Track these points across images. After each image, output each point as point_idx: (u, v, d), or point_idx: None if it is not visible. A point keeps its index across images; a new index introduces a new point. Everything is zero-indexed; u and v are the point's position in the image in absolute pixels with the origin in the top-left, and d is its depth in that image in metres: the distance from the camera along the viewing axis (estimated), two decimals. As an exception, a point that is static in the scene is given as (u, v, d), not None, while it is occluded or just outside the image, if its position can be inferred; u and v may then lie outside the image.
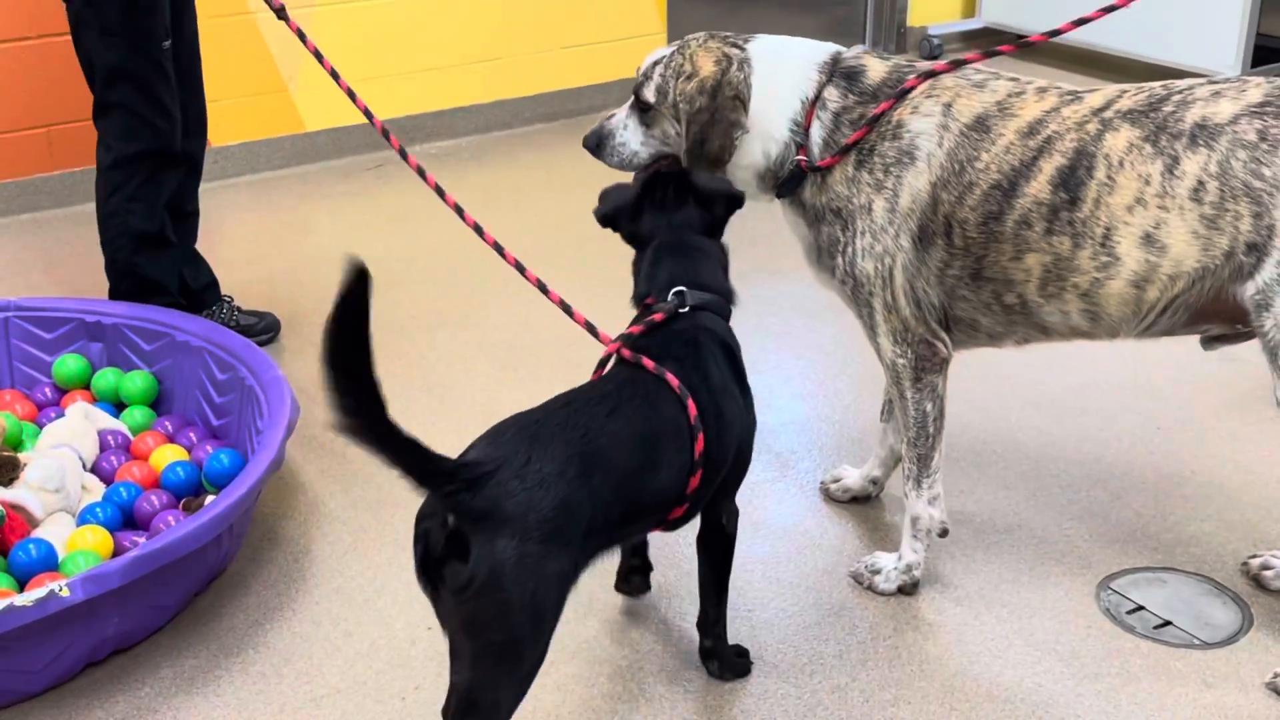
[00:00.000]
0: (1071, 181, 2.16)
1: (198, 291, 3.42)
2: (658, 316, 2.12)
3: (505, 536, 1.76)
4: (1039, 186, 2.18)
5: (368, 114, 2.83)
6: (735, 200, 2.25)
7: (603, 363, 2.16)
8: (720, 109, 2.30)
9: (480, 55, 5.33)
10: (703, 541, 2.25)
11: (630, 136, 2.45)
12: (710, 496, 2.13)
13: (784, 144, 2.34)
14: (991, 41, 6.48)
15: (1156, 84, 2.21)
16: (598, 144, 2.49)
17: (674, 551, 2.63)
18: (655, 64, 2.41)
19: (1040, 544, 2.68)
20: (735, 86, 2.31)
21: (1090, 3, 5.78)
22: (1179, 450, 3.02)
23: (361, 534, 2.74)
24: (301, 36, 2.94)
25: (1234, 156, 2.05)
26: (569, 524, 1.81)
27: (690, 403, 1.99)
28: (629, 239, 2.30)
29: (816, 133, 2.33)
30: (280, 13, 2.98)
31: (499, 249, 2.52)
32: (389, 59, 5.07)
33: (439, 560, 1.81)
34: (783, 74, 2.34)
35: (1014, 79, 2.29)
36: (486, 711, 1.83)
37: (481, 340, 3.58)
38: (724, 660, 2.31)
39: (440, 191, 2.73)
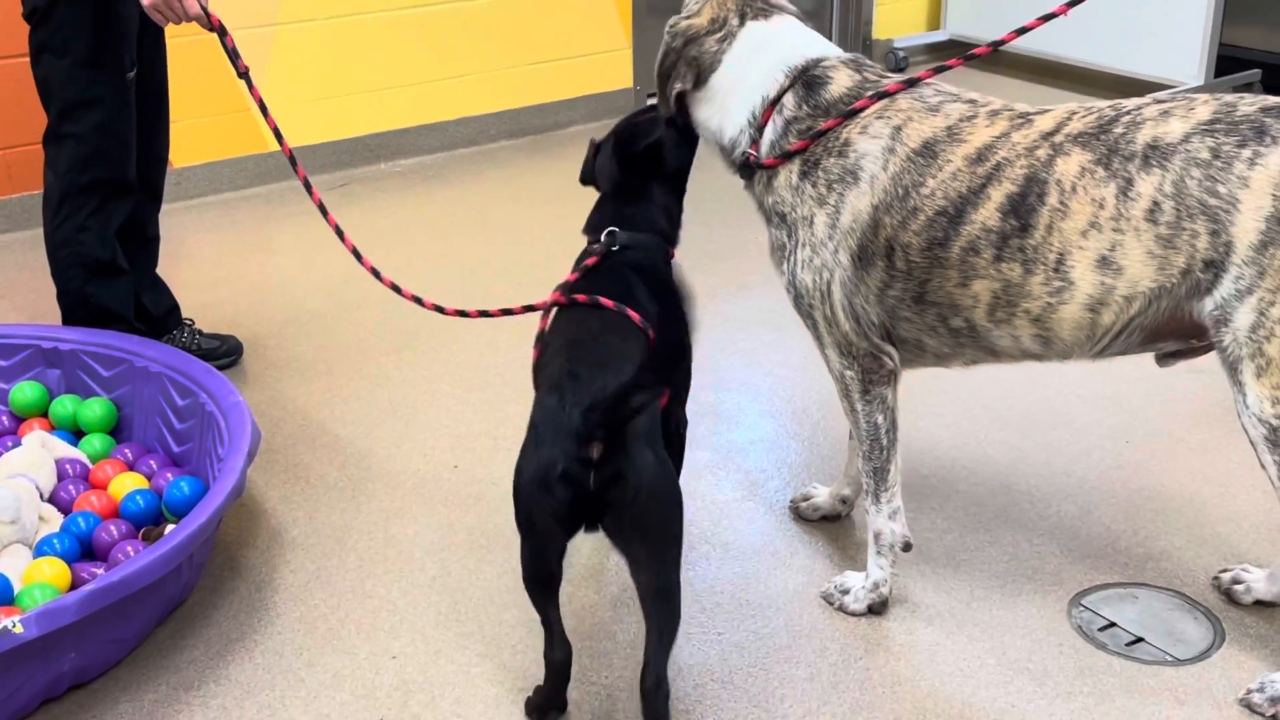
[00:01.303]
0: (1022, 208, 2.14)
1: (159, 317, 3.38)
2: (590, 261, 2.35)
3: (642, 445, 2.00)
4: (987, 214, 2.16)
5: (284, 145, 3.10)
6: (654, 144, 2.43)
7: (547, 311, 2.34)
8: (681, 61, 2.37)
9: (445, 72, 5.30)
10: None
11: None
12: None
13: (739, 130, 2.37)
14: (956, 53, 6.47)
15: (1105, 104, 2.19)
16: None
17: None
18: None
19: (1011, 561, 2.66)
20: (702, 52, 2.36)
21: (1049, 9, 5.71)
22: (1149, 463, 3.01)
23: (325, 561, 2.70)
24: (263, 108, 3.03)
25: (1188, 175, 2.03)
26: (658, 421, 2.08)
27: (651, 334, 2.23)
28: (597, 189, 2.51)
29: (769, 133, 2.34)
30: (245, 76, 2.96)
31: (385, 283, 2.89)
32: (353, 77, 5.04)
33: (596, 493, 2.00)
34: (754, 66, 2.35)
35: (971, 100, 2.27)
36: (675, 593, 2.09)
37: (447, 360, 3.54)
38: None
39: (340, 233, 3.11)
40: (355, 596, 2.58)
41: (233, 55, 2.98)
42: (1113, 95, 5.73)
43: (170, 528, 2.60)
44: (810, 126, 2.29)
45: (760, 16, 2.38)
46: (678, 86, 2.38)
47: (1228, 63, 5.53)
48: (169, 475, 2.79)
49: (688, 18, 2.40)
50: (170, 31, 4.42)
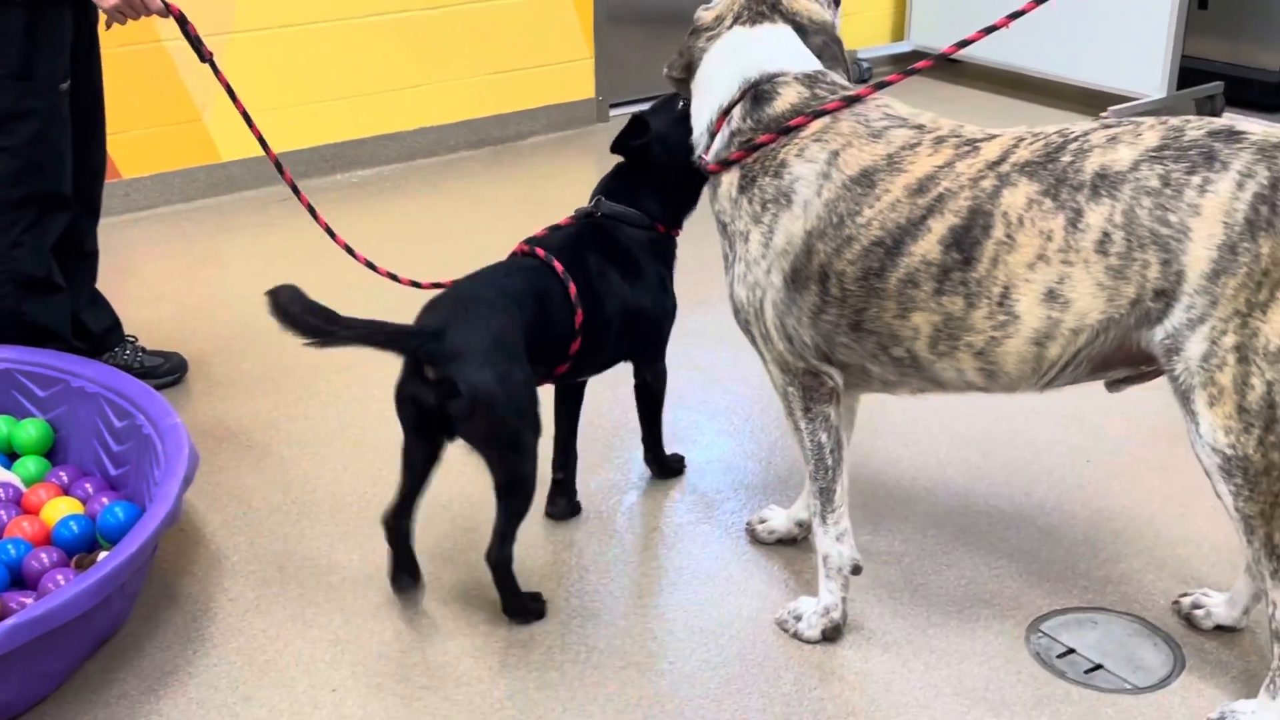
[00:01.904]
0: (966, 241, 2.08)
1: (99, 334, 3.29)
2: (563, 220, 2.70)
3: (478, 364, 2.32)
4: (928, 246, 2.10)
5: (270, 153, 2.84)
6: (641, 129, 2.68)
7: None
8: (682, 47, 2.44)
9: (404, 81, 5.22)
10: (636, 393, 2.87)
11: None
12: (615, 362, 2.74)
13: (701, 131, 2.39)
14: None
15: (1053, 129, 2.12)
16: None
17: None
18: None
19: (969, 584, 2.61)
20: (691, 49, 2.41)
21: (1019, 27, 5.70)
22: (1110, 483, 2.96)
23: (265, 589, 2.61)
24: (231, 93, 3.05)
25: (1139, 205, 1.97)
26: (513, 345, 2.39)
27: (571, 286, 2.53)
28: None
29: (718, 141, 2.34)
30: (210, 62, 2.96)
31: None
32: (309, 85, 4.95)
33: (436, 410, 2.34)
34: (721, 71, 2.35)
35: (918, 126, 2.19)
36: (523, 485, 2.44)
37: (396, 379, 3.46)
38: (662, 464, 2.99)
39: (331, 233, 3.12)
40: (295, 626, 2.50)
41: (196, 43, 2.96)
42: (1076, 107, 5.74)
43: (103, 555, 2.51)
44: (750, 140, 2.26)
45: (751, 21, 2.34)
46: (665, 70, 2.46)
47: (1190, 75, 5.51)
48: (105, 500, 2.70)
49: (707, 8, 2.43)
50: (114, 40, 4.36)
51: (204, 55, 2.96)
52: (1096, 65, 5.51)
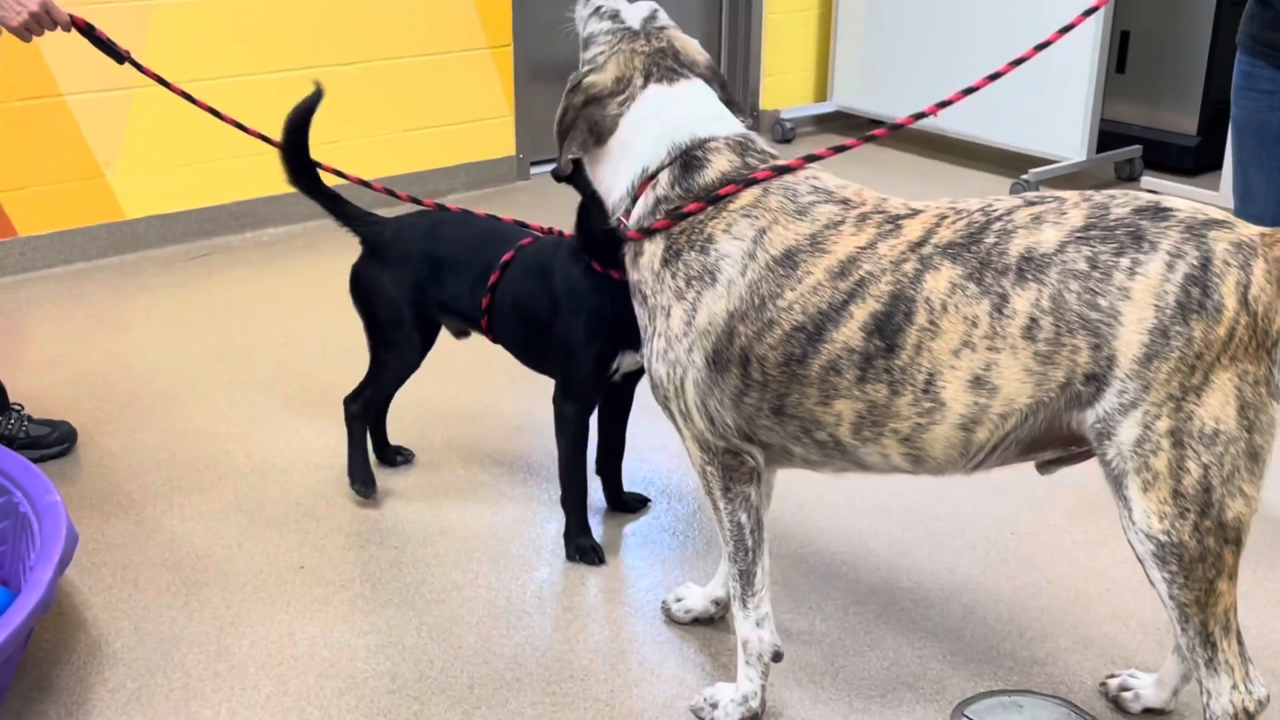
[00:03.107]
0: (888, 328, 2.00)
1: (-20, 402, 3.11)
2: (525, 240, 2.89)
3: (366, 257, 2.99)
4: (850, 333, 2.02)
5: (199, 103, 2.65)
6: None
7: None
8: (580, 121, 2.23)
9: (320, 137, 5.02)
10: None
11: (579, 20, 2.37)
12: (548, 371, 2.90)
13: (620, 197, 2.24)
14: (843, 125, 6.47)
15: (975, 205, 2.04)
16: None
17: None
18: (614, 19, 2.29)
19: (892, 666, 2.51)
20: (603, 115, 2.23)
21: (935, 87, 5.76)
22: (1034, 557, 2.89)
23: (148, 678, 2.45)
24: (164, 82, 3.09)
25: (1066, 289, 1.90)
26: (407, 261, 2.91)
27: (495, 274, 2.83)
28: None
29: (639, 206, 2.20)
30: (129, 59, 2.92)
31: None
32: (219, 141, 4.79)
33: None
34: (643, 134, 2.21)
35: (843, 201, 2.10)
36: (376, 368, 3.01)
37: (301, 447, 3.31)
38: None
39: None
40: (178, 719, 2.34)
41: (108, 46, 2.88)
42: (996, 169, 5.75)
43: (-28, 644, 2.34)
44: (677, 209, 2.15)
45: (665, 79, 2.24)
46: (574, 151, 2.25)
47: (1109, 138, 5.55)
48: (-23, 583, 2.53)
49: (592, 72, 2.25)
50: (13, 94, 4.21)
51: (121, 56, 2.89)
52: (1017, 128, 5.53)
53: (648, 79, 2.24)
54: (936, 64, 5.83)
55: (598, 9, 2.33)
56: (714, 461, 2.21)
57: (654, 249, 2.18)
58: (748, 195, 2.12)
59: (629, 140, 2.22)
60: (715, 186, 2.13)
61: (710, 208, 2.12)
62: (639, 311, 2.26)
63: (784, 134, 6.26)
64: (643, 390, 2.82)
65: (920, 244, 2.00)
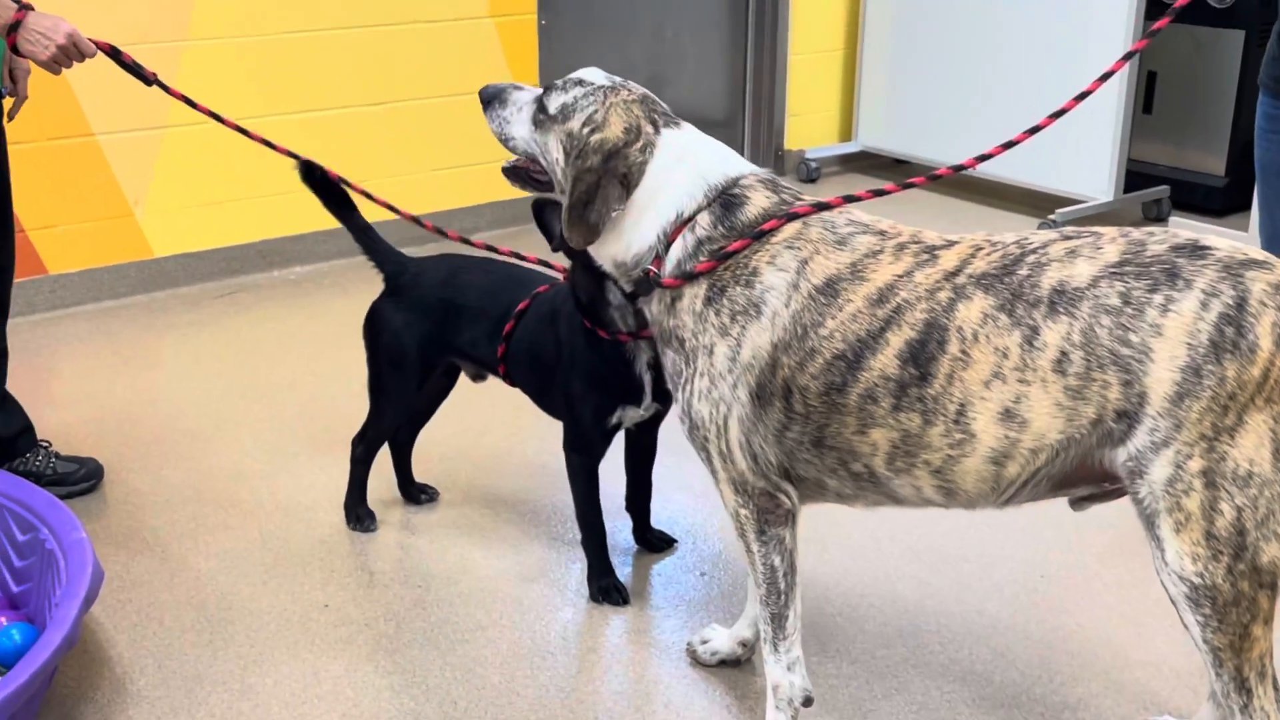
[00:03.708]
0: (922, 356, 1.99)
1: (9, 439, 3.12)
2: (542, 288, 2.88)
3: (385, 296, 2.99)
4: (886, 361, 2.01)
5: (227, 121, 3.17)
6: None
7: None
8: (607, 178, 2.16)
9: (347, 177, 5.11)
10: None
11: (520, 122, 2.32)
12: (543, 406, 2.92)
13: (647, 247, 2.19)
14: (867, 166, 6.47)
15: (1011, 239, 2.04)
16: (492, 99, 2.37)
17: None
18: (579, 83, 2.26)
19: (921, 710, 2.48)
20: (629, 165, 2.17)
21: (961, 127, 5.75)
22: (1064, 600, 2.85)
23: (171, 717, 2.44)
24: (190, 103, 3.03)
25: (1098, 324, 1.89)
26: (423, 307, 2.91)
27: (509, 324, 2.83)
28: None
29: (676, 250, 2.17)
30: (156, 82, 2.88)
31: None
32: (247, 180, 4.84)
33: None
34: (673, 179, 2.18)
35: (880, 232, 2.11)
36: (373, 412, 3.04)
37: (326, 485, 3.31)
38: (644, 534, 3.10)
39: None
40: (201, 759, 2.33)
41: (135, 69, 2.86)
42: (1023, 209, 5.73)
43: (-4, 681, 2.34)
44: (722, 248, 2.13)
45: (670, 124, 2.24)
46: (616, 208, 2.18)
47: (1137, 179, 5.53)
48: (3, 619, 2.54)
49: (595, 131, 2.19)
50: (44, 133, 4.26)
51: (148, 79, 2.87)
52: (1044, 168, 5.51)
53: (655, 125, 2.22)
54: (961, 104, 5.84)
55: (539, 95, 2.30)
56: (749, 504, 2.19)
57: (695, 290, 2.15)
58: (789, 229, 2.11)
59: (657, 187, 2.18)
60: (758, 223, 2.13)
61: (754, 243, 2.11)
62: (672, 358, 2.22)
63: (809, 174, 6.27)
64: (667, 431, 2.81)
65: (955, 273, 1.99)
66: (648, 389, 2.68)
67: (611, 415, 2.71)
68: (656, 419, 2.82)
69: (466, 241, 3.04)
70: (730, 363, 2.10)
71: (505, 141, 2.36)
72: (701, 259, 2.14)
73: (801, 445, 2.11)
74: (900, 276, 2.02)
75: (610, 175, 2.17)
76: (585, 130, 2.20)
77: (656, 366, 2.61)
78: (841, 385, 2.02)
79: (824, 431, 2.07)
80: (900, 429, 2.01)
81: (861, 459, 2.07)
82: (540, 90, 2.33)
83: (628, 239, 2.21)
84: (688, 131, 2.26)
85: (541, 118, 2.27)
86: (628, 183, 2.18)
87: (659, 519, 3.15)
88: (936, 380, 1.96)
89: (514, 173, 2.39)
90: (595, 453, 2.78)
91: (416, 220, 3.03)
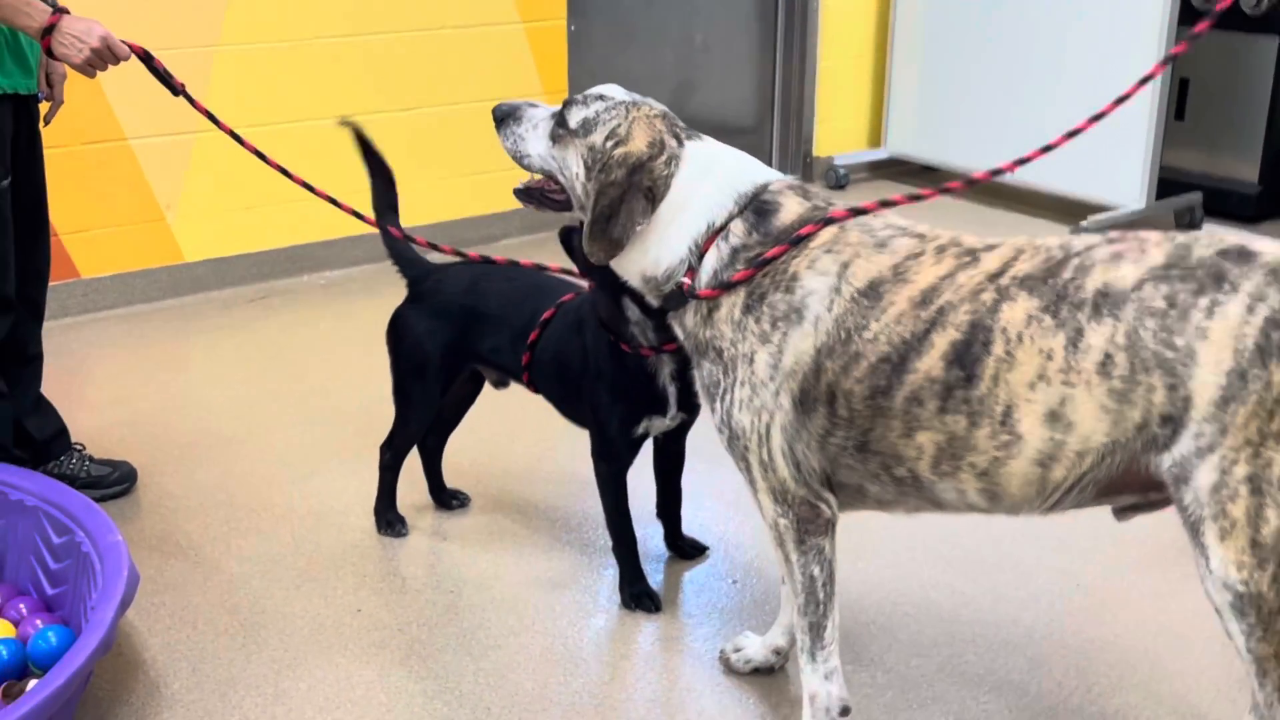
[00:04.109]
0: (967, 358, 1.97)
1: (43, 442, 3.13)
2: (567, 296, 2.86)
3: (408, 302, 3.00)
4: (931, 363, 2.00)
5: (247, 145, 2.89)
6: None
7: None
8: (632, 192, 2.13)
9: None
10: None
11: (536, 138, 2.30)
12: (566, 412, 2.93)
13: (679, 260, 2.17)
14: (897, 172, 6.45)
15: (1054, 242, 2.03)
16: (506, 116, 2.34)
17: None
18: (600, 98, 2.25)
19: (956, 721, 2.46)
20: (654, 179, 2.15)
21: (990, 133, 5.70)
22: (1100, 610, 2.83)
23: (205, 721, 2.44)
24: (214, 120, 3.03)
25: (1142, 326, 1.87)
26: (445, 314, 2.91)
27: (534, 333, 2.81)
28: None
29: (710, 261, 2.15)
30: (183, 93, 2.87)
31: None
32: (278, 185, 4.81)
33: None
34: (702, 190, 2.16)
35: (919, 235, 2.10)
36: (398, 418, 3.05)
37: (358, 490, 3.31)
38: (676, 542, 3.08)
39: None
40: (236, 763, 2.33)
41: (165, 76, 2.84)
42: (1054, 216, 5.70)
43: (34, 683, 2.34)
44: (759, 255, 2.12)
45: (692, 137, 2.23)
46: (641, 222, 2.16)
47: (1169, 185, 5.49)
48: (39, 622, 2.55)
49: (617, 144, 2.18)
50: (77, 138, 4.28)
51: (176, 89, 2.85)
52: (1075, 175, 5.48)
53: (678, 138, 2.20)
54: (991, 111, 5.81)
55: (556, 111, 2.28)
56: (788, 514, 2.18)
57: (733, 300, 2.14)
58: (826, 233, 2.10)
59: (686, 199, 2.17)
60: (794, 228, 2.12)
61: (791, 249, 2.10)
62: (708, 369, 2.19)
63: (837, 180, 6.25)
64: (697, 439, 2.80)
65: (998, 275, 1.98)
66: (673, 400, 2.67)
67: (637, 425, 2.70)
68: (684, 428, 2.81)
69: (460, 254, 2.96)
70: (772, 370, 2.09)
71: (520, 159, 2.33)
72: (739, 267, 2.13)
73: (845, 450, 2.09)
74: (943, 278, 2.01)
75: (635, 189, 2.15)
76: (609, 144, 2.18)
77: (681, 377, 2.61)
78: (887, 388, 2.01)
79: (868, 436, 2.06)
80: (946, 431, 1.99)
81: (906, 463, 2.06)
82: (555, 108, 2.31)
83: (655, 253, 2.19)
84: (710, 143, 2.25)
85: (560, 133, 2.25)
86: (653, 196, 2.16)
87: (690, 526, 3.14)
88: (982, 382, 1.95)
89: (527, 194, 2.37)
90: (622, 461, 2.77)
91: (382, 229, 3.01)
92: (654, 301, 2.28)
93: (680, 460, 2.97)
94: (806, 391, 2.07)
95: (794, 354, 2.07)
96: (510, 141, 2.33)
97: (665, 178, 2.16)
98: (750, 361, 2.11)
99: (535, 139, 2.30)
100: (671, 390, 2.65)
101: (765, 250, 2.11)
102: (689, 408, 2.69)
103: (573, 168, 2.24)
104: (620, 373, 2.65)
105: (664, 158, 2.17)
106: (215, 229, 4.75)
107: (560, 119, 2.26)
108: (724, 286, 2.14)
